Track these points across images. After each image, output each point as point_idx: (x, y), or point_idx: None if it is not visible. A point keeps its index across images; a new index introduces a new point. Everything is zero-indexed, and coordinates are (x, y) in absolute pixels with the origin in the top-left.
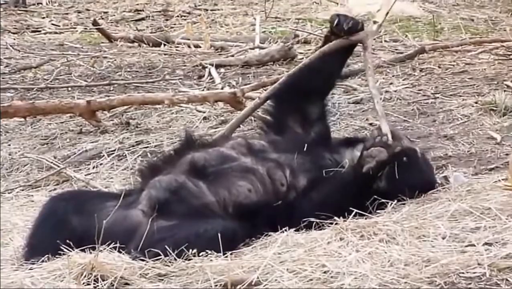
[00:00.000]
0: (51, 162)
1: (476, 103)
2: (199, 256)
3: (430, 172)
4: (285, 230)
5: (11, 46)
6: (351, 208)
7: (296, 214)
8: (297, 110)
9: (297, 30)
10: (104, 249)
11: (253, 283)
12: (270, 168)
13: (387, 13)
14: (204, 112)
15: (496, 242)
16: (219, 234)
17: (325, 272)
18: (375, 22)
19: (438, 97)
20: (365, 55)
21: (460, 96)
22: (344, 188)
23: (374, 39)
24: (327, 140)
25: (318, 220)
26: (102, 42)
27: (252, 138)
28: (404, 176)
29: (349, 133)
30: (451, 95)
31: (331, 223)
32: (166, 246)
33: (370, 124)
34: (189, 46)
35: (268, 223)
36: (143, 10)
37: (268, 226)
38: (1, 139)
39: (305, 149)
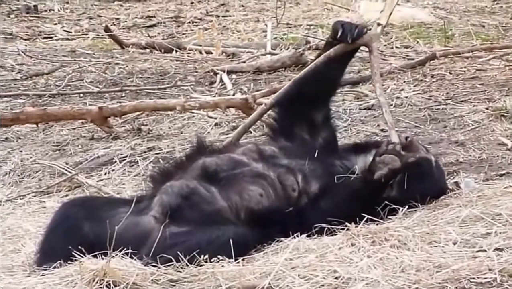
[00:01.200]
0: (63, 168)
1: (487, 109)
2: (211, 262)
3: (442, 181)
4: (297, 236)
5: (23, 52)
6: (362, 214)
7: (307, 220)
8: (303, 116)
9: (308, 36)
10: (116, 255)
11: None
12: (281, 173)
13: (390, 14)
14: (215, 118)
15: (507, 248)
16: (230, 240)
17: (336, 278)
18: (379, 24)
19: (449, 103)
20: (370, 58)
21: (471, 102)
22: (355, 194)
23: (385, 45)
24: (335, 145)
25: (329, 226)
26: (114, 49)
27: (263, 144)
28: (415, 186)
29: (360, 139)
30: (462, 101)
31: (343, 229)
32: (178, 252)
33: (382, 130)
34: (200, 52)
35: (279, 229)
36: (154, 17)
37: (279, 232)
38: (12, 146)
39: (315, 155)
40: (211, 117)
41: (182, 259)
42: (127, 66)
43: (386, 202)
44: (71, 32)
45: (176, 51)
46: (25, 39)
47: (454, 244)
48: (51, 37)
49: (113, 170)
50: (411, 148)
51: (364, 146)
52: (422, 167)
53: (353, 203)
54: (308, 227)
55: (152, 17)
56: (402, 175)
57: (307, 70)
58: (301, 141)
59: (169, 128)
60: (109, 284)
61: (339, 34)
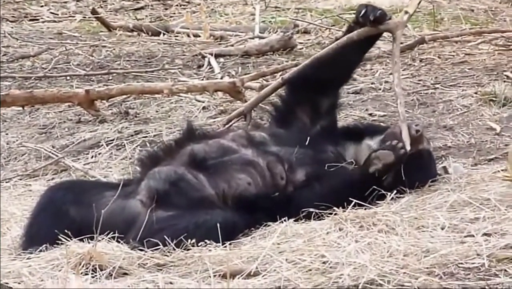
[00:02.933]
0: (49, 152)
1: (475, 93)
2: (198, 246)
3: (434, 169)
4: (284, 220)
5: (9, 34)
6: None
7: (295, 207)
8: (309, 99)
9: (296, 20)
10: (103, 239)
11: (252, 273)
12: (271, 161)
13: (419, 3)
14: (203, 102)
15: (495, 233)
16: (218, 225)
17: (324, 263)
18: (406, 12)
19: (438, 88)
20: (393, 46)
21: (460, 86)
22: (347, 187)
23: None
24: (332, 132)
25: (317, 211)
26: (101, 31)
27: (253, 129)
28: (413, 176)
29: (349, 123)
30: (450, 85)
31: (330, 214)
32: (165, 236)
33: (370, 114)
34: (188, 36)
35: (267, 215)
36: None
37: (267, 218)
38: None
39: (307, 142)
40: (199, 101)
41: (169, 243)
42: (114, 49)
43: (382, 189)
44: (57, 15)
45: (164, 34)
46: (11, 21)
47: (442, 229)
48: (38, 19)
49: (99, 153)
50: (419, 140)
51: (357, 131)
52: (423, 159)
53: (344, 196)
54: (295, 214)
55: None
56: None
57: (326, 50)
58: (298, 125)
59: (157, 111)
60: (96, 268)
61: (361, 13)
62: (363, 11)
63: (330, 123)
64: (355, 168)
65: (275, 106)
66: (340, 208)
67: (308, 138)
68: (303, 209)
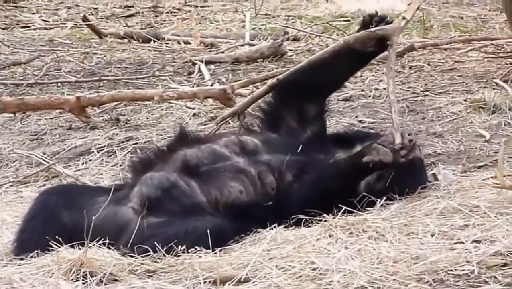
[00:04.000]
0: (41, 158)
1: (465, 100)
2: (188, 252)
3: (424, 176)
4: (274, 226)
5: (1, 41)
6: (341, 197)
7: (286, 214)
8: (296, 104)
9: (287, 27)
10: (94, 245)
11: (242, 280)
12: (262, 171)
13: (417, 8)
14: (194, 109)
15: (485, 240)
16: (208, 231)
17: (314, 269)
18: (404, 18)
19: (427, 95)
20: (389, 52)
21: (449, 93)
22: (340, 172)
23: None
24: (322, 139)
25: (307, 217)
26: (92, 38)
27: (245, 135)
28: (404, 184)
29: (339, 130)
30: (440, 92)
31: (320, 220)
32: (156, 243)
33: (360, 121)
34: (179, 43)
35: (257, 223)
36: (133, 6)
37: (257, 225)
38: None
39: (299, 150)
40: (189, 108)
41: (160, 250)
42: (105, 56)
43: (366, 193)
44: (49, 22)
45: (154, 41)
46: (3, 28)
47: (432, 235)
48: (29, 27)
49: (90, 160)
50: (412, 149)
51: (347, 138)
52: (415, 167)
53: (335, 180)
54: (287, 215)
55: (130, 7)
56: (396, 173)
57: (322, 54)
58: (288, 130)
59: (147, 118)
60: (86, 274)
61: (367, 16)
62: (367, 17)
63: (319, 129)
64: (347, 157)
65: (263, 110)
66: (330, 214)
67: (300, 145)
68: (295, 208)
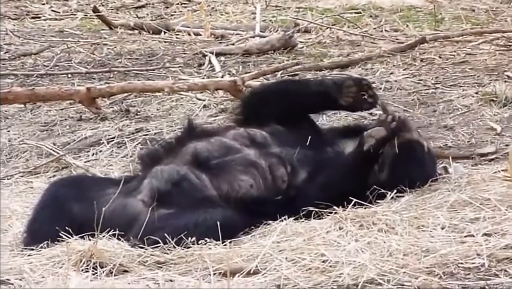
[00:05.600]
0: (51, 149)
1: (476, 93)
2: (198, 244)
3: (432, 167)
4: (284, 219)
5: (11, 32)
6: (352, 190)
7: (298, 199)
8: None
9: (297, 19)
10: (103, 236)
11: (251, 272)
12: (273, 164)
13: None
14: (204, 100)
15: (495, 233)
16: (218, 223)
17: (324, 261)
18: None
19: (438, 87)
20: None
21: (461, 86)
22: (346, 171)
23: (375, 28)
24: (332, 131)
25: (317, 209)
26: (102, 29)
27: (253, 127)
28: (406, 169)
29: (349, 122)
30: (451, 85)
31: (330, 213)
32: (165, 234)
33: (370, 113)
34: (189, 34)
35: (267, 216)
36: None
37: (267, 218)
38: (0, 126)
39: (307, 143)
40: (200, 99)
41: (169, 241)
42: (115, 47)
43: (376, 186)
44: (59, 12)
45: (165, 32)
46: (13, 19)
47: (442, 228)
48: (39, 17)
49: (100, 151)
50: (404, 128)
51: (355, 129)
52: (414, 150)
53: (344, 177)
54: (298, 210)
55: None
56: (393, 158)
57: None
58: (294, 123)
59: (157, 109)
60: (96, 265)
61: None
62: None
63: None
64: (350, 152)
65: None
66: (340, 207)
67: (309, 138)
68: (306, 202)
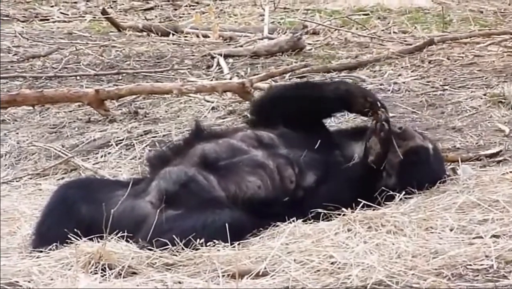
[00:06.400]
0: (59, 151)
1: (484, 95)
2: (206, 246)
3: (440, 168)
4: (293, 220)
5: (19, 34)
6: (360, 196)
7: (304, 209)
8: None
9: (305, 21)
10: (112, 238)
11: (260, 274)
12: (281, 164)
13: None
14: (212, 102)
15: (504, 235)
16: (226, 224)
17: (332, 263)
18: None
19: (446, 89)
20: None
21: (469, 88)
22: (352, 182)
23: (383, 30)
24: (339, 133)
25: (325, 211)
26: (111, 31)
27: (261, 129)
28: (413, 174)
29: (357, 124)
30: (459, 87)
31: (339, 214)
32: (174, 236)
33: None
34: (197, 36)
35: (275, 218)
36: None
37: (276, 220)
38: (8, 128)
39: (316, 146)
40: (208, 101)
41: (178, 243)
42: (124, 49)
43: (388, 188)
44: (68, 15)
45: (173, 34)
46: (22, 21)
47: (451, 230)
48: (48, 19)
49: (109, 153)
50: (406, 136)
51: (364, 130)
52: (419, 155)
53: (350, 190)
54: (306, 210)
55: (149, 0)
56: (400, 165)
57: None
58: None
59: (166, 111)
60: (105, 267)
61: None
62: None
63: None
64: (357, 163)
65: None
66: (349, 209)
67: (318, 141)
68: (312, 210)
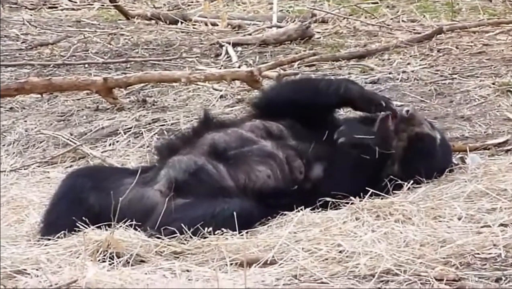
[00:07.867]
0: (68, 139)
1: (493, 84)
2: (215, 234)
3: (447, 157)
4: (301, 209)
5: (28, 22)
6: (365, 186)
7: (312, 201)
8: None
9: (314, 9)
10: (120, 226)
11: (268, 262)
12: (290, 155)
13: None
14: (221, 91)
15: None
16: (235, 213)
17: (340, 252)
18: None
19: (455, 78)
20: None
21: (478, 77)
22: (359, 164)
23: (392, 18)
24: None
25: (334, 200)
26: (119, 19)
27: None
28: (418, 163)
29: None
30: (468, 76)
31: (347, 203)
32: (182, 225)
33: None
34: (206, 24)
35: (285, 206)
36: None
37: (284, 209)
38: (17, 116)
39: (324, 137)
40: (216, 90)
41: (186, 232)
42: (132, 37)
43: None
44: (76, 2)
45: (182, 22)
46: (30, 9)
47: (459, 219)
48: (56, 7)
49: (117, 141)
50: (414, 122)
51: (373, 118)
52: (423, 143)
53: (357, 180)
54: (315, 200)
55: None
56: (403, 152)
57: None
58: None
59: (174, 100)
60: (113, 255)
61: None
62: None
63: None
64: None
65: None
66: (357, 197)
67: (326, 132)
68: (320, 198)
